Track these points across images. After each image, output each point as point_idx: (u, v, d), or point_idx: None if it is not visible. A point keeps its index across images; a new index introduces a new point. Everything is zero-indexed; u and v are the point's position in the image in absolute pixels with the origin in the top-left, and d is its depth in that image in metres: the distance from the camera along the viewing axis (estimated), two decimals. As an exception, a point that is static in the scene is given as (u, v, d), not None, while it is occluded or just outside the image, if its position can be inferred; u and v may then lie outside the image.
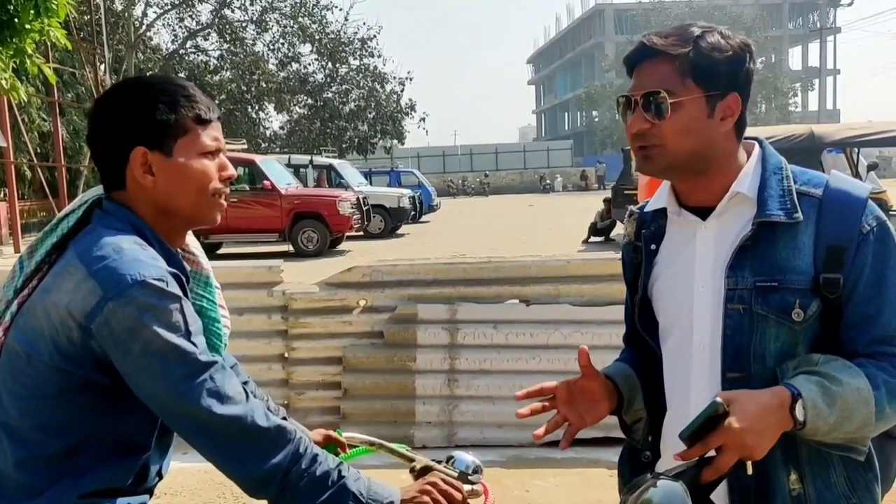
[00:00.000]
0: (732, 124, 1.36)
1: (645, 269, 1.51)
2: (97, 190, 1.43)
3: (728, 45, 1.33)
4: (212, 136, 1.42)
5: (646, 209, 1.54)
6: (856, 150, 8.79)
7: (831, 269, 1.29)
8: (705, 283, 1.38)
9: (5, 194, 18.48)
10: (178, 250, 1.48)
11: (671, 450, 1.46)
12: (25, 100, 8.68)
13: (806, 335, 1.31)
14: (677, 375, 1.45)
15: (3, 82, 6.25)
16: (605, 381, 1.48)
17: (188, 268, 1.47)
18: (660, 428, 1.52)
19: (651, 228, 1.51)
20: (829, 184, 1.35)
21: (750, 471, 1.22)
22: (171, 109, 1.37)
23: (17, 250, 15.07)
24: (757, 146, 1.42)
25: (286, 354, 4.79)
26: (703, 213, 1.40)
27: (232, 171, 1.46)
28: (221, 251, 16.48)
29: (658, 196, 1.50)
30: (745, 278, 1.32)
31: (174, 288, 1.28)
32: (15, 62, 6.31)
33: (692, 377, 1.40)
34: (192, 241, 1.54)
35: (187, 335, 1.27)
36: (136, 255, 1.27)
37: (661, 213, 1.49)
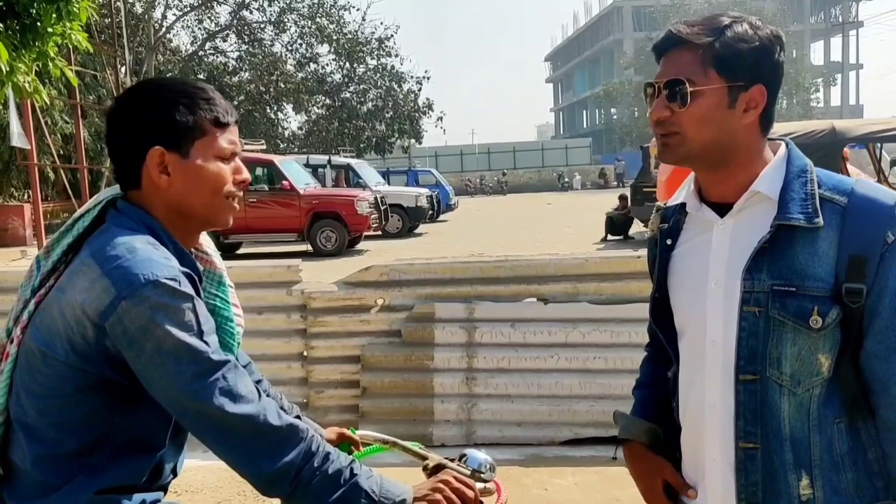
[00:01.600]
0: (756, 117, 1.33)
1: (659, 264, 1.51)
2: (112, 190, 1.45)
3: (756, 36, 1.31)
4: (229, 139, 1.43)
5: (669, 203, 1.54)
6: (878, 145, 8.65)
7: (854, 279, 1.26)
8: (719, 280, 1.37)
9: (29, 196, 18.71)
10: (192, 250, 1.49)
11: (687, 448, 1.46)
12: (48, 102, 8.79)
13: (826, 342, 1.29)
14: (692, 372, 1.44)
15: (27, 85, 6.31)
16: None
17: (201, 267, 1.48)
18: (675, 426, 1.50)
19: (669, 223, 1.51)
20: (854, 191, 1.31)
21: None
22: (191, 111, 1.38)
23: (40, 251, 15.22)
24: (783, 146, 1.40)
25: (305, 353, 4.82)
26: (723, 209, 1.38)
27: (247, 175, 1.48)
28: (241, 251, 16.60)
29: (680, 191, 1.49)
30: (762, 281, 1.30)
31: (187, 287, 1.29)
32: (38, 65, 6.37)
33: (706, 374, 1.39)
34: (205, 240, 1.55)
35: (199, 334, 1.28)
36: (149, 255, 1.28)
37: (681, 209, 1.48)
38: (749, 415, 1.32)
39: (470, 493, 1.38)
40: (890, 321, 1.27)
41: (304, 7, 35.00)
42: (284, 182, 15.91)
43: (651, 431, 1.55)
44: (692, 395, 1.43)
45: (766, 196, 1.33)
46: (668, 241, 1.49)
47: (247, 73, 35.56)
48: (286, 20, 35.17)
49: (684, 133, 1.34)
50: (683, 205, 1.47)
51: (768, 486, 1.32)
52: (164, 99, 1.38)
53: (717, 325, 1.36)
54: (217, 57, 35.84)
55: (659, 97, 1.35)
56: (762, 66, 1.32)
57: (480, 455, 1.50)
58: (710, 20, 1.34)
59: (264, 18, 35.14)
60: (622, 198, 16.33)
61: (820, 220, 1.28)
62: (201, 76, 32.48)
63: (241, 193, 1.47)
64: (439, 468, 1.48)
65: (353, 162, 22.68)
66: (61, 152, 21.30)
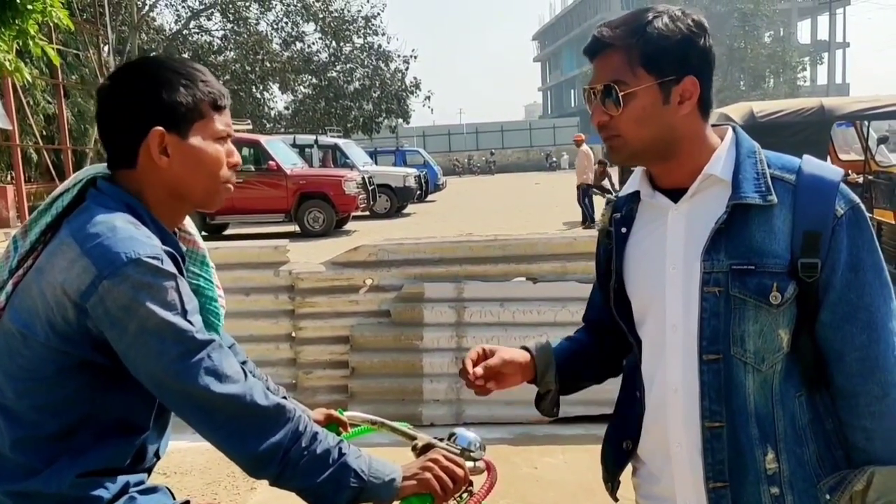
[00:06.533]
0: (693, 106, 1.35)
1: (616, 253, 1.52)
2: (92, 169, 1.42)
3: (677, 29, 1.32)
4: (224, 121, 1.43)
5: (620, 194, 1.55)
6: (866, 123, 8.67)
7: (809, 254, 1.30)
8: (676, 265, 1.39)
9: (12, 177, 18.51)
10: (175, 230, 1.46)
11: (652, 435, 1.46)
12: (30, 81, 8.64)
13: (785, 317, 1.32)
14: (654, 358, 1.45)
15: (7, 63, 6.21)
16: (523, 362, 1.63)
17: (184, 247, 1.46)
18: (638, 415, 1.50)
19: (622, 212, 1.52)
20: (801, 169, 1.35)
21: None
22: (191, 93, 1.37)
23: (25, 233, 15.05)
24: (730, 131, 1.43)
25: (293, 334, 4.80)
26: (677, 195, 1.40)
27: (238, 158, 1.47)
28: (228, 232, 16.51)
29: (632, 180, 1.50)
30: (720, 261, 1.33)
31: (169, 266, 1.27)
32: (18, 43, 6.26)
33: (667, 358, 1.41)
34: (186, 220, 1.53)
35: (183, 313, 1.26)
36: (130, 233, 1.26)
37: (634, 197, 1.50)
38: (713, 394, 1.35)
39: (460, 472, 1.38)
40: (843, 292, 1.31)
41: (289, -16, 34.55)
42: (271, 162, 15.80)
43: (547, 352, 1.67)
44: (655, 380, 1.44)
45: (720, 178, 1.35)
46: (623, 230, 1.51)
47: (232, 53, 35.08)
48: (271, -3, 34.69)
49: (624, 135, 1.37)
50: (636, 193, 1.48)
51: (734, 464, 1.34)
52: (164, 79, 1.36)
53: (677, 309, 1.38)
54: (202, 36, 35.30)
55: (596, 102, 1.38)
56: (689, 57, 1.34)
57: (470, 434, 1.49)
58: (632, 18, 1.36)
59: (249, -4, 34.66)
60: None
61: (774, 198, 1.32)
62: (186, 55, 32.04)
63: (234, 178, 1.46)
64: (428, 448, 1.47)
65: (341, 142, 22.57)
66: (44, 133, 21.02)
